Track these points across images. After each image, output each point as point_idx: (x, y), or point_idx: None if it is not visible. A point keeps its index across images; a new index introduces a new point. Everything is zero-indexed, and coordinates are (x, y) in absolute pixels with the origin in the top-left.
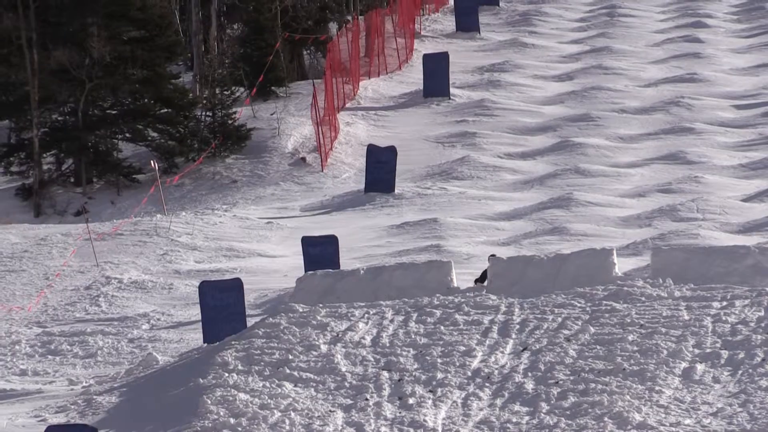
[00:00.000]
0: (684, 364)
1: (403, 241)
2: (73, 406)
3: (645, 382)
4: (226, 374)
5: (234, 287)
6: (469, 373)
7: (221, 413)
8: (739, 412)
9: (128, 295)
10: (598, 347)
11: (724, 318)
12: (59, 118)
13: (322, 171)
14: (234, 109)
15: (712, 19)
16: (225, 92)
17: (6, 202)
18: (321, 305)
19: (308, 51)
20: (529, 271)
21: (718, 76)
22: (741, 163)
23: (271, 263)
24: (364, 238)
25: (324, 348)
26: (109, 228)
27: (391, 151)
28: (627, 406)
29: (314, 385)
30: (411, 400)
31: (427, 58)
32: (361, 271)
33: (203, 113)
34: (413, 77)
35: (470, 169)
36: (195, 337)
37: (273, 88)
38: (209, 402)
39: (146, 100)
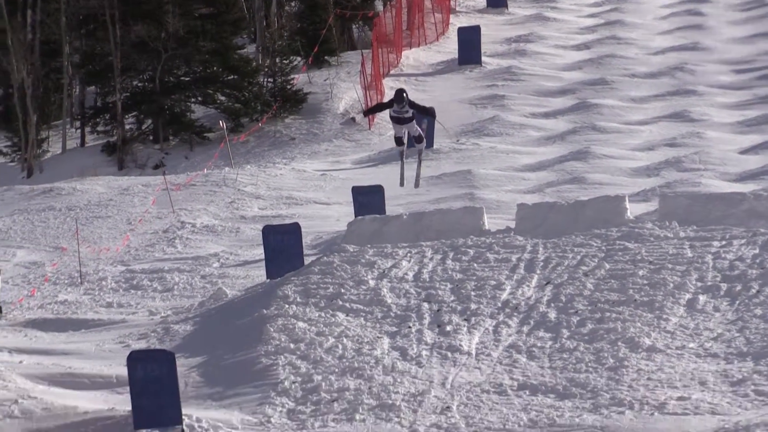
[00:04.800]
0: (688, 296)
1: (441, 190)
2: (152, 334)
3: (654, 311)
4: (287, 306)
5: (293, 230)
6: (499, 304)
7: (282, 339)
8: (736, 336)
9: (200, 237)
10: (613, 281)
11: (723, 255)
12: (139, 85)
13: (370, 129)
14: (292, 76)
15: None
16: (284, 61)
17: (94, 157)
18: (369, 246)
19: (357, 25)
20: (552, 215)
21: (718, 44)
22: (738, 120)
23: (325, 210)
24: (407, 188)
25: (372, 283)
26: (183, 179)
27: (431, 113)
28: (638, 332)
29: (363, 315)
30: (448, 328)
31: (462, 31)
32: (404, 216)
33: (265, 80)
34: (449, 47)
35: (499, 127)
36: (259, 274)
37: (326, 57)
38: (272, 330)
39: (215, 69)
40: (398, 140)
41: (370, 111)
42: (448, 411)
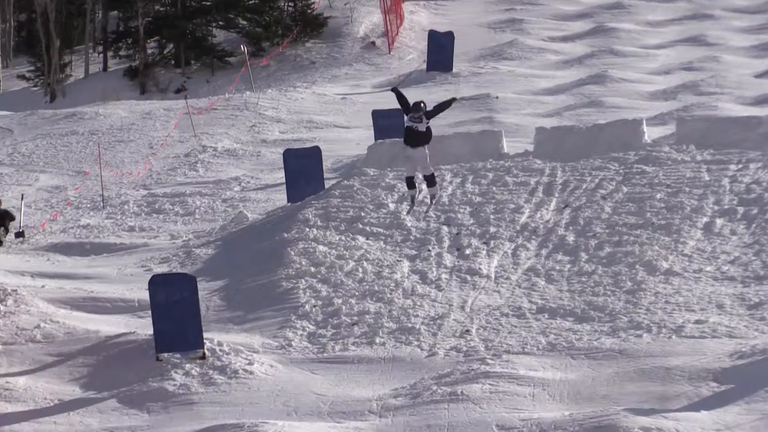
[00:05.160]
0: (705, 219)
1: (460, 113)
2: (174, 258)
3: (671, 235)
4: (307, 229)
5: (313, 154)
6: (518, 228)
7: (303, 263)
8: (753, 260)
9: (222, 161)
10: (630, 204)
11: (739, 179)
12: (161, 9)
13: (389, 53)
14: (312, 0)
15: None
16: None
17: (115, 81)
18: (389, 169)
19: None
20: (570, 138)
21: None
22: (754, 44)
23: (345, 133)
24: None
25: (392, 206)
26: (205, 103)
27: (450, 36)
28: (656, 256)
29: (383, 238)
30: (468, 251)
31: None
32: None
33: (286, 3)
34: None
35: (518, 50)
36: (280, 197)
37: None
38: (293, 253)
39: None
40: (409, 181)
41: (398, 92)
42: (467, 334)
